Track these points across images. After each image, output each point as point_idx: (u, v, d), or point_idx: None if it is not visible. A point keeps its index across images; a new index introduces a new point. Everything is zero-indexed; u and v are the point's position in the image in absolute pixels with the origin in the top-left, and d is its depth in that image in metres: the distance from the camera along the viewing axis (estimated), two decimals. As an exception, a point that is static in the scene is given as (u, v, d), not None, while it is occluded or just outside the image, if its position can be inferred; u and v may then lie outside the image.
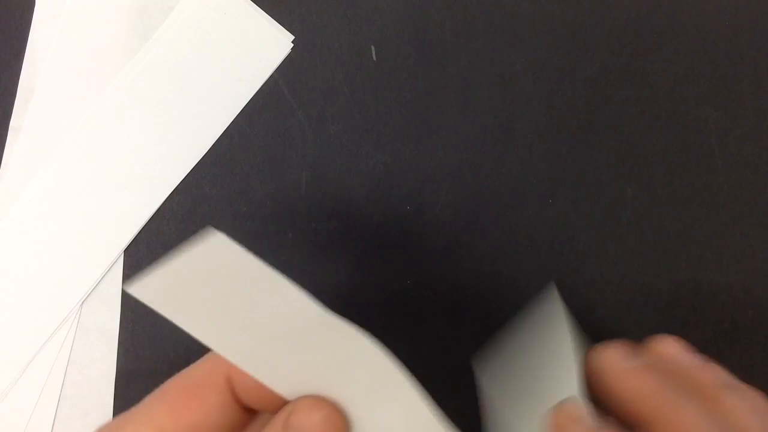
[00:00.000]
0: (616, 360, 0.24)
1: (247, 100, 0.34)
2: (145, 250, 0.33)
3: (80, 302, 0.33)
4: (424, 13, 0.34)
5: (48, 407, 0.32)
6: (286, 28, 0.34)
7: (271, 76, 0.34)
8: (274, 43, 0.34)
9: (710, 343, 0.33)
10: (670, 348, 0.25)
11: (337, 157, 0.34)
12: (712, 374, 0.24)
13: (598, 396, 0.24)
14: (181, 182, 0.34)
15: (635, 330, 0.33)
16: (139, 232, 0.33)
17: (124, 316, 0.33)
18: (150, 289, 0.19)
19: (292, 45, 0.34)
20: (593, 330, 0.33)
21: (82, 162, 0.33)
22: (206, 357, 0.22)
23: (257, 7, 0.34)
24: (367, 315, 0.33)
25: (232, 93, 0.34)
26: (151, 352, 0.33)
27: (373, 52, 0.34)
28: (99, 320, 0.33)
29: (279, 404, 0.21)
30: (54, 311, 0.33)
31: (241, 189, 0.34)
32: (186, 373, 0.22)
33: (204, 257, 0.18)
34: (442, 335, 0.33)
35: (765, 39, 0.34)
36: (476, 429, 0.33)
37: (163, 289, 0.19)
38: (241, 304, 0.20)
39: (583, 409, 0.22)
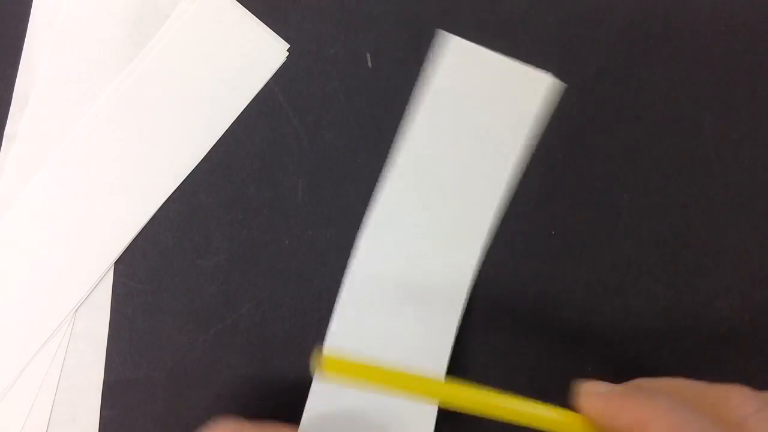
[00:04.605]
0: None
1: (243, 108, 0.34)
2: (141, 258, 0.33)
3: (75, 309, 0.33)
4: (419, 20, 0.34)
5: (42, 413, 0.32)
6: (282, 36, 0.34)
7: (267, 84, 0.34)
8: (269, 50, 0.34)
9: (708, 348, 0.33)
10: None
11: (333, 164, 0.34)
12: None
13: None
14: (176, 190, 0.34)
15: (632, 336, 0.33)
16: (135, 240, 0.33)
17: (121, 324, 0.33)
18: None
19: (288, 53, 0.34)
20: (590, 336, 0.33)
21: (77, 169, 0.33)
22: None
23: (252, 15, 0.34)
24: (364, 322, 0.33)
25: (227, 101, 0.34)
26: (148, 360, 0.33)
27: (369, 60, 0.34)
28: (88, 327, 0.33)
29: None
30: (48, 318, 0.32)
31: (237, 196, 0.34)
32: None
33: None
34: (439, 342, 0.33)
35: (761, 43, 0.34)
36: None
37: None
38: None
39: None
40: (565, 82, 0.34)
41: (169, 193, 0.34)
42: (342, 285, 0.32)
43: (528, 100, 0.33)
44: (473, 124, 0.33)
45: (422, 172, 0.33)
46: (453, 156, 0.33)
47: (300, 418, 0.32)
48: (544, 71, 0.33)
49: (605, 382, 0.24)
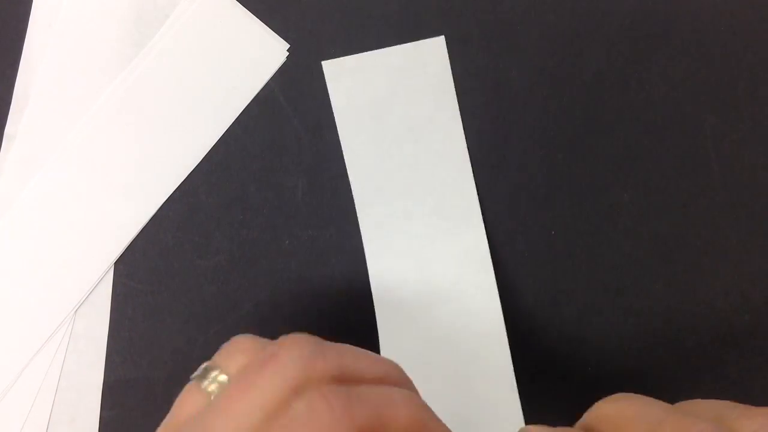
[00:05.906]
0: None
1: (243, 108, 0.34)
2: (141, 258, 0.33)
3: (75, 309, 0.33)
4: (419, 20, 0.34)
5: (42, 413, 0.32)
6: (282, 36, 0.34)
7: (267, 84, 0.34)
8: (269, 51, 0.34)
9: (707, 349, 0.33)
10: None
11: (333, 164, 0.34)
12: None
13: None
14: (176, 190, 0.34)
15: (632, 335, 0.33)
16: (135, 240, 0.33)
17: (121, 324, 0.33)
18: None
19: (288, 53, 0.34)
20: (590, 336, 0.33)
21: (77, 169, 0.33)
22: None
23: (252, 15, 0.34)
24: (364, 322, 0.33)
25: (227, 101, 0.34)
26: (149, 360, 0.33)
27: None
28: (88, 327, 0.33)
29: None
30: (48, 318, 0.32)
31: (237, 196, 0.34)
32: None
33: None
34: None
35: (761, 43, 0.34)
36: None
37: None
38: None
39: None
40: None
41: (169, 193, 0.34)
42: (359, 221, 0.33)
43: (437, 68, 0.34)
44: (406, 116, 0.34)
45: (381, 179, 0.34)
46: (402, 150, 0.34)
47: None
48: (432, 38, 0.34)
49: (545, 426, 0.24)
